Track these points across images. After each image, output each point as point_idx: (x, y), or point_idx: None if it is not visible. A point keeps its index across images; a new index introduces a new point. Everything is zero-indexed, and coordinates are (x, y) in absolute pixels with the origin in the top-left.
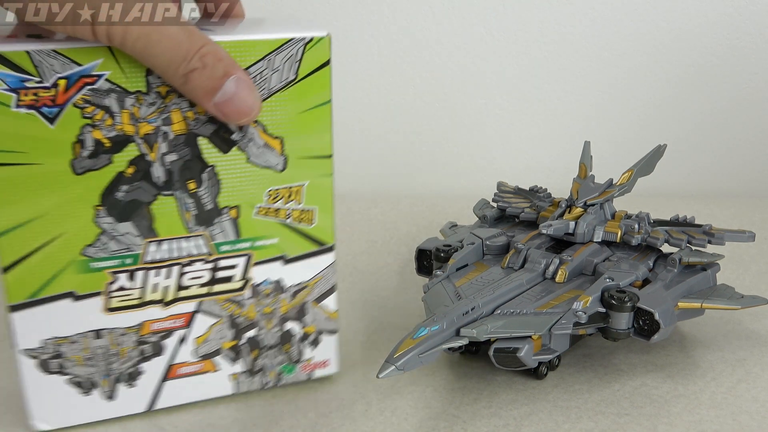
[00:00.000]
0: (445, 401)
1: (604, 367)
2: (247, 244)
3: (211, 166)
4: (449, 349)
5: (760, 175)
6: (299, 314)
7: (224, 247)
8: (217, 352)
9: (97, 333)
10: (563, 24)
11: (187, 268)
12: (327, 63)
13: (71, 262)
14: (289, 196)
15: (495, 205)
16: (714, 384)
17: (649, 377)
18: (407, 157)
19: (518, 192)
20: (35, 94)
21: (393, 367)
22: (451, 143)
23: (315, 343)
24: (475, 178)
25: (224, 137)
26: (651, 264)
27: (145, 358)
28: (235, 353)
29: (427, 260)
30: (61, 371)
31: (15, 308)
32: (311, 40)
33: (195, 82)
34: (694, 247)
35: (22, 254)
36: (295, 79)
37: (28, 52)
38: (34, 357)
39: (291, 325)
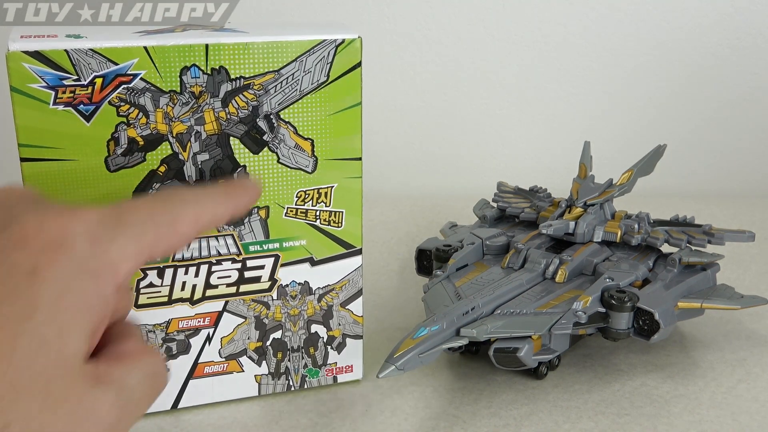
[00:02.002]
0: (445, 401)
1: (604, 367)
2: (275, 245)
3: (243, 166)
4: (449, 349)
5: (760, 175)
6: (325, 317)
7: (253, 247)
8: (242, 353)
9: None
10: (563, 24)
11: (215, 267)
12: (358, 65)
13: None
14: (318, 197)
15: (495, 205)
16: (714, 384)
17: (649, 377)
18: (408, 157)
19: (518, 192)
20: (72, 92)
21: (393, 367)
22: (451, 143)
23: (340, 347)
24: (475, 178)
25: (255, 138)
26: (651, 264)
27: (172, 356)
28: (260, 354)
29: (427, 260)
30: None
31: None
32: (342, 42)
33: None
34: (694, 247)
35: None
36: (326, 81)
37: (66, 51)
38: None
39: (317, 328)
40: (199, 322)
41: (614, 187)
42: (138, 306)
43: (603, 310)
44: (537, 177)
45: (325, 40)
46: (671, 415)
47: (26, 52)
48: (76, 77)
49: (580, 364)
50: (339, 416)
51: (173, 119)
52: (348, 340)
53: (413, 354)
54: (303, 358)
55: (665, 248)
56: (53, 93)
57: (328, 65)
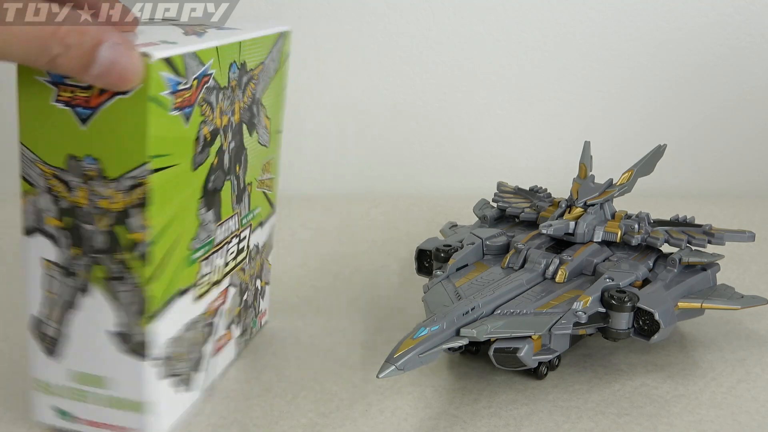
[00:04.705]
0: (445, 401)
1: (604, 367)
2: (251, 215)
3: (246, 148)
4: (449, 349)
5: (760, 175)
6: (260, 271)
7: (244, 221)
8: (234, 320)
9: (188, 325)
10: (563, 24)
11: (227, 246)
12: (288, 51)
13: (184, 259)
14: (267, 168)
15: (495, 205)
16: (714, 384)
17: (649, 377)
18: (407, 157)
19: (518, 192)
20: (182, 96)
21: (393, 367)
22: (451, 143)
23: (264, 294)
24: (475, 178)
25: (252, 122)
26: (651, 264)
27: (205, 341)
28: (239, 317)
29: (427, 260)
30: (170, 374)
31: (151, 318)
32: (285, 32)
33: (63, 66)
34: (694, 247)
35: (161, 257)
36: (278, 66)
37: (183, 56)
38: (155, 366)
39: (258, 283)
40: (220, 301)
41: (614, 187)
42: (196, 298)
43: (603, 310)
44: (537, 177)
45: (282, 32)
46: (671, 415)
47: (163, 59)
48: (185, 80)
49: (580, 364)
50: (339, 416)
51: (223, 113)
52: (266, 287)
53: (413, 354)
54: (252, 311)
55: (665, 248)
56: (172, 99)
57: (279, 53)
